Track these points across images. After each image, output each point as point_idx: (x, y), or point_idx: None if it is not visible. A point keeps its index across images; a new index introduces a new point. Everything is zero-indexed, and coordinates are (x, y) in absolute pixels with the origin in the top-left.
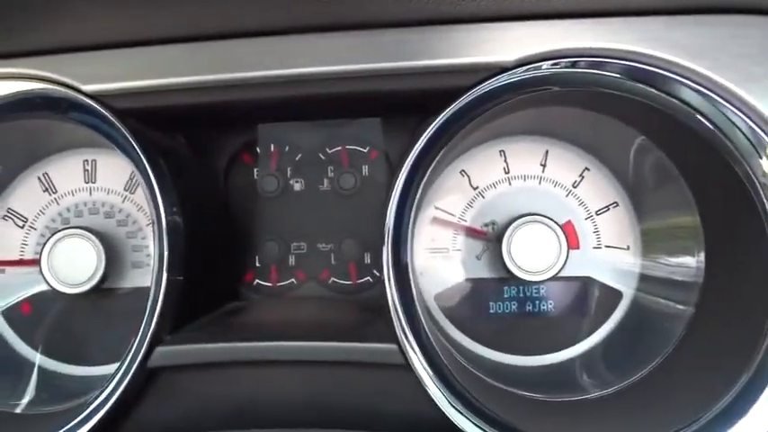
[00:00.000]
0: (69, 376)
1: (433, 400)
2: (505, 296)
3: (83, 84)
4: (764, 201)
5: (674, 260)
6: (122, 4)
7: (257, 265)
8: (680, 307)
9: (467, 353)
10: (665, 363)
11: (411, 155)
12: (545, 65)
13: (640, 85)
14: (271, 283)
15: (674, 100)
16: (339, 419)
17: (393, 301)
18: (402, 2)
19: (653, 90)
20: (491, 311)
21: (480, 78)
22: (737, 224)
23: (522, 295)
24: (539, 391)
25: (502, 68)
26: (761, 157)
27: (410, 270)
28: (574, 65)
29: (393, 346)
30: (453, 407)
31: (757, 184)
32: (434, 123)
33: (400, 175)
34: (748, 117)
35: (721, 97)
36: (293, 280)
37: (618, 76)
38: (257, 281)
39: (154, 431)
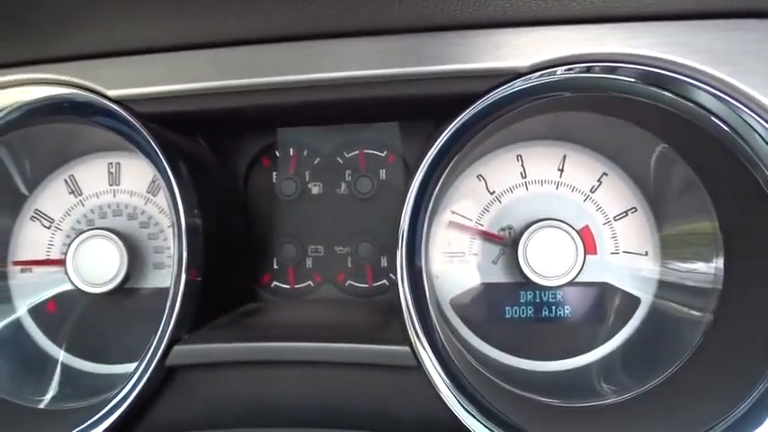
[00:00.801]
0: (91, 374)
1: (444, 402)
2: (521, 301)
3: (108, 89)
4: None
5: (692, 266)
6: (146, 13)
7: (275, 267)
8: (698, 314)
9: (482, 357)
10: (683, 370)
11: (426, 160)
12: (559, 70)
13: (656, 89)
14: (288, 285)
15: (690, 104)
16: (352, 420)
17: (406, 304)
18: (418, 8)
19: (668, 94)
20: (507, 316)
21: (495, 84)
22: (756, 230)
23: (538, 300)
24: (552, 396)
25: (517, 74)
26: None
27: (424, 273)
28: (588, 70)
29: (406, 349)
30: (465, 408)
31: None
32: (449, 128)
33: (414, 179)
34: (767, 121)
35: (739, 101)
36: (310, 282)
37: (633, 80)
38: (275, 283)
39: (170, 428)
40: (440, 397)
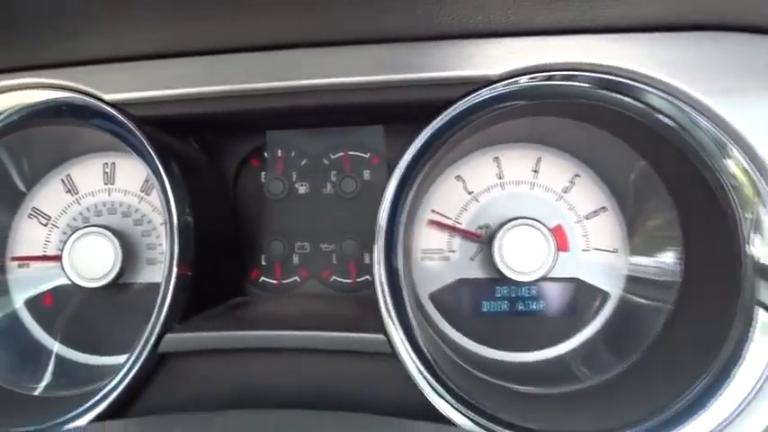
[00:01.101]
0: (85, 365)
1: (417, 387)
2: (497, 295)
3: (105, 93)
4: (733, 201)
5: (657, 262)
6: (141, 23)
7: (263, 263)
8: (660, 305)
9: (459, 348)
10: (644, 357)
11: (401, 162)
12: (523, 79)
13: (608, 93)
14: (275, 280)
15: (642, 105)
16: (332, 403)
17: (382, 294)
18: (399, 20)
19: (621, 97)
20: (484, 310)
21: (469, 90)
22: (711, 226)
23: (513, 295)
24: (525, 384)
25: (489, 81)
26: (724, 158)
27: (401, 268)
28: (549, 78)
29: (381, 337)
30: (437, 393)
31: (725, 185)
32: (424, 132)
33: (391, 180)
34: (710, 120)
35: (688, 104)
36: (296, 278)
37: (588, 86)
38: (262, 278)
39: (161, 412)
40: (413, 382)
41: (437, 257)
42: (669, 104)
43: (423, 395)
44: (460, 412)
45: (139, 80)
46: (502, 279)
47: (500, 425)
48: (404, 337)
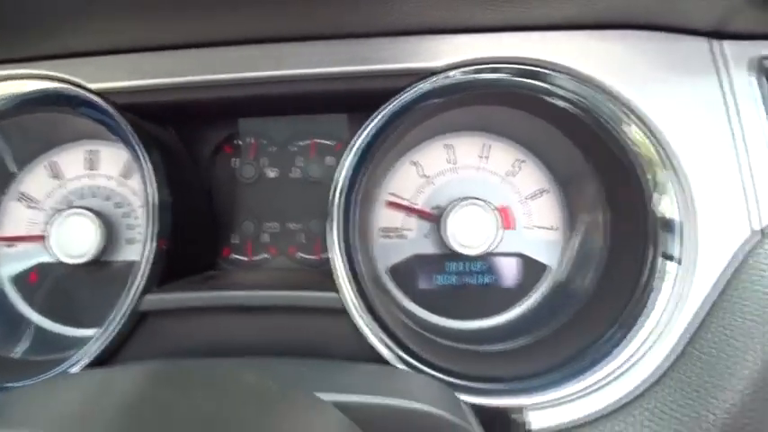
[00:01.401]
0: (66, 336)
1: (365, 339)
2: (448, 270)
3: (90, 83)
4: (638, 165)
5: (589, 237)
6: (122, 20)
7: (235, 241)
8: (592, 273)
9: (413, 317)
10: (573, 318)
11: (352, 144)
12: (453, 72)
13: (524, 80)
14: (246, 257)
15: (554, 88)
16: (293, 354)
17: (337, 261)
18: (355, 18)
19: (543, 85)
20: (437, 282)
21: (414, 80)
22: (629, 197)
23: (462, 269)
24: (467, 344)
25: (432, 72)
26: (628, 126)
27: (355, 243)
28: (480, 71)
29: (334, 294)
30: (383, 343)
31: (629, 152)
32: (372, 118)
33: (341, 161)
34: (612, 97)
35: (591, 84)
36: (266, 255)
37: (506, 76)
38: (234, 255)
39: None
40: (363, 336)
41: (394, 235)
42: (578, 86)
43: (369, 343)
44: (402, 360)
45: (121, 71)
46: (453, 254)
47: (425, 364)
48: (354, 296)
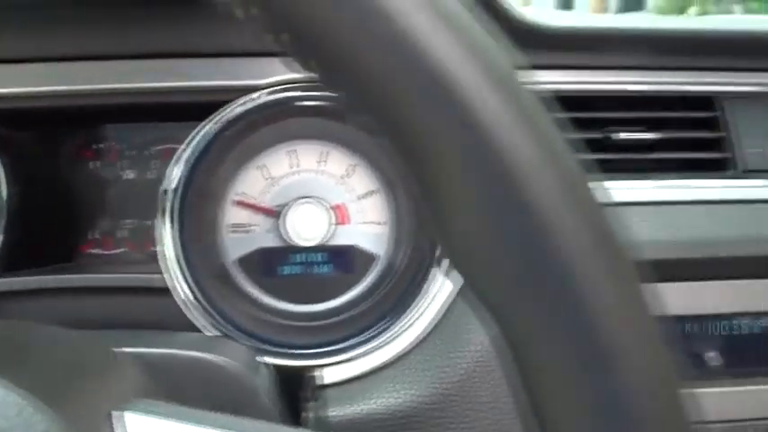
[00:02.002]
0: None
1: (186, 316)
2: (290, 261)
3: None
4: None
5: (411, 228)
6: None
7: (94, 237)
8: (405, 256)
9: (258, 303)
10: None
11: (182, 149)
12: (267, 91)
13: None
14: (104, 251)
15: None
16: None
17: (161, 243)
18: (190, 39)
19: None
20: (283, 272)
21: (240, 94)
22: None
23: (301, 260)
24: (298, 322)
25: (257, 88)
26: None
27: (191, 239)
28: (292, 89)
29: (159, 275)
30: (204, 317)
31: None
32: (201, 126)
33: (171, 163)
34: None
35: None
36: (124, 249)
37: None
38: (91, 250)
39: None
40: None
41: (241, 231)
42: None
43: (190, 320)
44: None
45: None
46: (294, 247)
47: (243, 334)
48: (180, 276)
